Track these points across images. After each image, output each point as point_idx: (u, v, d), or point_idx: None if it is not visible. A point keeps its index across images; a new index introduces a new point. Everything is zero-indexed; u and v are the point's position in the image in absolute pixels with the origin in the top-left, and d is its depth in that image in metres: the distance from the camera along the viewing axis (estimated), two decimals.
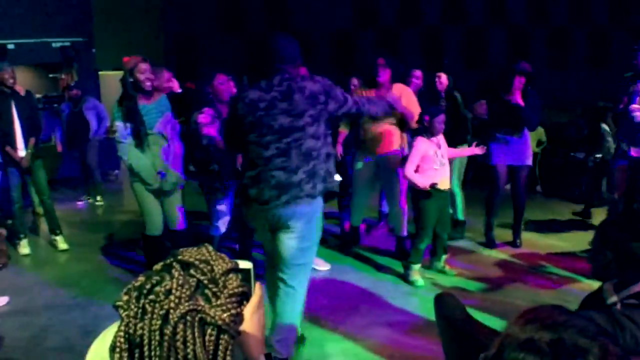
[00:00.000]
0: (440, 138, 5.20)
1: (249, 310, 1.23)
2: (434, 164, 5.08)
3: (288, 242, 3.57)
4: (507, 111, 5.81)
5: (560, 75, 25.46)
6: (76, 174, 9.48)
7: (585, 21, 26.67)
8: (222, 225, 5.40)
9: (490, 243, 6.23)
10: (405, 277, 5.32)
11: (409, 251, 5.46)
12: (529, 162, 6.09)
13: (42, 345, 4.28)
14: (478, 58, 24.02)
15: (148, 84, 4.75)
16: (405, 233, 5.90)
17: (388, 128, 5.59)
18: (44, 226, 6.91)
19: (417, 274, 5.27)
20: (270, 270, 3.85)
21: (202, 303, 1.12)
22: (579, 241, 6.06)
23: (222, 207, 5.33)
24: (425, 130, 5.11)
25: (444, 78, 6.50)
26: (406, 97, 5.48)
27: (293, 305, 3.66)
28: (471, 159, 6.67)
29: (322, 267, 5.60)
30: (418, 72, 6.68)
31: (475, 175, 8.27)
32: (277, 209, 3.49)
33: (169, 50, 19.18)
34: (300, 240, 3.56)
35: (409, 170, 5.04)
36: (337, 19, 23.24)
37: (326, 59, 20.65)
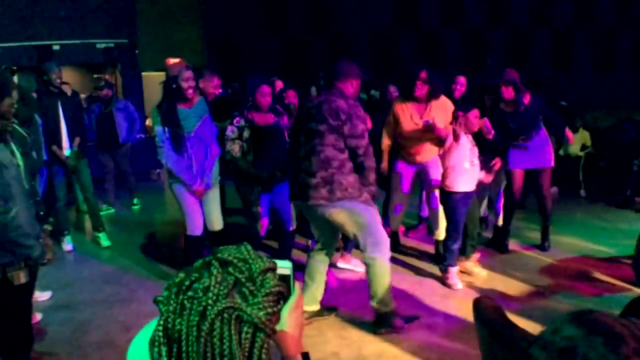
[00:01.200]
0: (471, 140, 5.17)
1: (286, 309, 1.23)
2: (465, 161, 5.06)
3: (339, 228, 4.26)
4: (502, 120, 5.79)
5: (607, 77, 24.96)
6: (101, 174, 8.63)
7: (631, 23, 26.06)
8: (260, 226, 5.43)
9: (503, 248, 6.16)
10: (443, 280, 5.29)
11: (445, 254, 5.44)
12: (550, 163, 6.01)
13: (83, 340, 4.37)
14: (521, 59, 23.67)
15: (190, 91, 4.83)
16: (441, 237, 5.84)
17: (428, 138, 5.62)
18: (87, 223, 7.06)
19: (454, 276, 5.22)
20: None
21: (239, 301, 1.13)
22: (623, 247, 5.92)
23: (260, 210, 5.35)
24: (460, 126, 5.08)
25: (462, 80, 6.50)
26: (446, 113, 5.49)
27: (381, 272, 4.22)
28: None
29: (361, 267, 5.59)
30: (462, 79, 6.63)
31: None
32: (302, 205, 4.24)
33: (210, 52, 19.40)
34: (346, 224, 4.15)
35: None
36: (377, 20, 23.19)
37: (366, 60, 20.64)
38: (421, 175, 5.82)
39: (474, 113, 5.08)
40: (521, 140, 5.88)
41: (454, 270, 5.23)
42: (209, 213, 5.18)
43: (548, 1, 25.13)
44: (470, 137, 5.14)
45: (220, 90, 5.53)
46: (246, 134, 5.10)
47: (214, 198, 5.18)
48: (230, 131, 5.11)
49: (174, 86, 4.81)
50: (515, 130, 5.83)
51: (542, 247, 6.16)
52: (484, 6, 24.72)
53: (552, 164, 6.03)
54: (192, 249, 5.18)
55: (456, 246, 5.23)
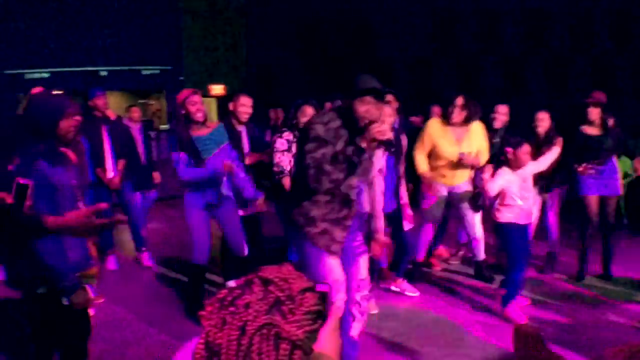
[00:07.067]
0: (527, 171, 5.01)
1: (324, 329, 1.26)
2: (517, 198, 4.91)
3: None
4: (585, 144, 5.69)
5: None
6: None
7: None
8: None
9: (581, 275, 6.02)
10: (501, 312, 5.03)
11: (486, 276, 5.59)
12: (619, 191, 5.94)
13: (123, 358, 4.45)
14: (562, 85, 23.39)
15: (199, 114, 4.84)
16: (481, 257, 5.95)
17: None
18: (130, 243, 7.18)
19: (517, 312, 4.96)
20: None
21: (278, 318, 1.17)
22: None
23: None
24: (509, 162, 4.91)
25: (503, 109, 6.34)
26: (481, 138, 5.60)
27: None
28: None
29: (411, 292, 5.58)
30: (502, 108, 6.40)
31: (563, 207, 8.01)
32: None
33: (251, 77, 19.68)
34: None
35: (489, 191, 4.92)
36: (415, 46, 23.24)
37: (405, 84, 20.65)
38: (453, 198, 5.82)
39: (525, 149, 4.85)
40: (596, 164, 5.76)
41: (517, 307, 5.00)
42: (230, 237, 5.19)
43: (588, 27, 24.83)
44: (522, 171, 4.95)
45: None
46: (294, 148, 5.05)
47: (235, 223, 5.16)
48: (280, 144, 5.11)
49: (183, 112, 4.84)
50: (597, 154, 5.73)
51: (607, 276, 6.00)
52: (523, 33, 24.56)
53: (620, 191, 5.95)
54: (196, 279, 5.17)
55: (517, 276, 4.98)
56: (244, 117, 5.53)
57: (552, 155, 5.25)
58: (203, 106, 4.92)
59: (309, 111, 5.17)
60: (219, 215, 5.10)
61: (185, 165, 4.83)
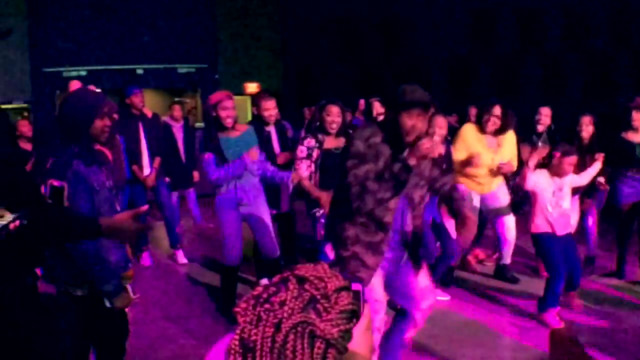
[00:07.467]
0: (566, 181, 4.92)
1: (358, 329, 1.25)
2: (549, 205, 4.84)
3: None
4: (624, 150, 5.61)
5: None
6: None
7: None
8: (330, 251, 5.32)
9: (621, 274, 5.92)
10: (537, 315, 4.95)
11: (509, 278, 5.76)
12: None
13: (157, 354, 4.49)
14: (601, 88, 22.98)
15: (229, 120, 4.86)
16: (506, 261, 5.98)
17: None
18: (165, 240, 7.26)
19: (554, 318, 4.83)
20: None
21: (313, 316, 1.16)
22: None
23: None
24: (551, 166, 4.84)
25: (546, 112, 6.24)
26: (513, 147, 5.64)
27: None
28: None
29: (442, 297, 5.54)
30: (546, 110, 6.31)
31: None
32: None
33: (287, 77, 19.76)
34: None
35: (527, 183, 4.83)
36: (453, 44, 23.07)
37: (443, 85, 20.51)
38: (486, 203, 5.79)
39: (571, 160, 4.76)
40: (635, 172, 5.69)
41: (554, 312, 4.88)
42: (262, 239, 5.18)
43: (629, 25, 24.35)
44: (560, 180, 4.88)
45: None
46: (315, 154, 5.08)
47: (266, 225, 5.14)
48: (300, 151, 5.11)
49: (214, 115, 4.87)
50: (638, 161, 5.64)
51: None
52: (561, 31, 24.19)
53: None
54: (227, 279, 5.18)
55: (558, 289, 4.85)
56: (270, 119, 5.54)
57: (593, 171, 5.21)
58: (234, 111, 4.93)
59: (334, 110, 5.13)
60: (250, 218, 5.10)
61: (213, 166, 4.85)
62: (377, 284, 3.43)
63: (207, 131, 4.97)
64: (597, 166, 5.25)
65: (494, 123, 5.50)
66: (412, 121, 3.20)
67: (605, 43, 24.44)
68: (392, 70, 21.80)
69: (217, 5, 15.43)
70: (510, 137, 5.68)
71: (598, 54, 24.26)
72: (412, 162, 3.12)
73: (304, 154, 5.09)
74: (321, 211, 4.99)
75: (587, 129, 5.76)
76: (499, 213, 5.76)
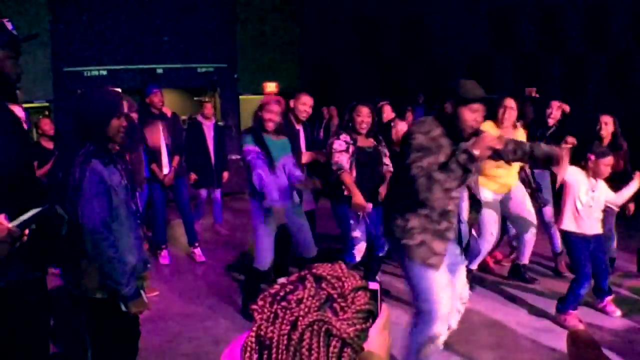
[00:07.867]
0: (602, 195, 4.86)
1: (374, 329, 1.26)
2: (580, 202, 4.78)
3: None
4: None
5: None
6: None
7: None
8: (358, 253, 5.23)
9: None
10: (559, 321, 4.92)
11: (525, 278, 5.72)
12: None
13: (175, 351, 4.52)
14: (622, 87, 22.68)
15: (270, 124, 4.92)
16: (525, 261, 5.93)
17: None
18: (183, 239, 7.30)
19: (574, 319, 4.83)
20: None
21: (329, 315, 1.16)
22: None
23: (357, 234, 5.17)
24: (587, 169, 4.78)
25: (556, 107, 6.16)
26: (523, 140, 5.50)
27: None
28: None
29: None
30: (556, 103, 6.32)
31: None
32: None
33: (306, 76, 19.77)
34: None
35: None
36: (473, 43, 22.92)
37: None
38: (508, 205, 5.70)
39: (607, 161, 4.72)
40: None
41: (573, 314, 4.88)
42: (302, 240, 5.17)
43: None
44: (595, 181, 4.80)
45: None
46: (351, 150, 5.09)
47: (303, 225, 5.16)
48: (338, 144, 5.11)
49: (259, 114, 4.96)
50: None
51: None
52: (584, 31, 23.93)
53: None
54: (254, 282, 5.17)
55: (581, 291, 4.82)
56: (303, 115, 5.57)
57: (630, 191, 5.04)
58: (278, 117, 4.97)
59: (364, 111, 5.17)
60: (286, 218, 5.11)
61: (258, 159, 4.83)
62: (441, 278, 3.48)
63: (253, 129, 5.00)
64: (634, 186, 5.03)
65: (509, 115, 5.43)
66: (474, 115, 3.38)
67: (627, 43, 24.14)
68: (410, 70, 21.72)
69: (237, 5, 15.47)
70: (520, 134, 5.58)
71: (620, 53, 23.98)
72: (477, 152, 3.25)
73: (343, 147, 5.10)
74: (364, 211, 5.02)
75: (606, 128, 5.69)
76: (520, 211, 5.65)
